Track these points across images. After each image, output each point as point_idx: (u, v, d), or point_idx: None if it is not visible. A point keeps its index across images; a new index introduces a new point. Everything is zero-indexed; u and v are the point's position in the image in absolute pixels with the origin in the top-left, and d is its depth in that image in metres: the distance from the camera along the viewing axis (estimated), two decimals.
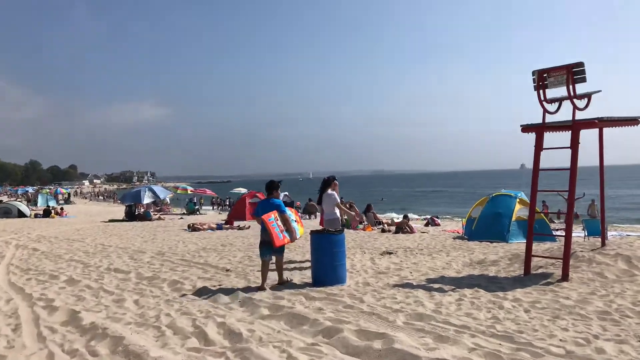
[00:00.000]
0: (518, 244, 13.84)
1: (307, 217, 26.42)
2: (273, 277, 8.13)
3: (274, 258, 7.93)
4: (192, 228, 19.13)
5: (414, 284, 7.88)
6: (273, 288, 7.59)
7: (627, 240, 10.41)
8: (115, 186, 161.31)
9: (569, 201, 8.11)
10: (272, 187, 7.96)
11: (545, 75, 8.38)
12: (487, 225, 15.35)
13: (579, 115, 8.17)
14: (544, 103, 8.49)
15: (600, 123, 7.98)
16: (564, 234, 16.22)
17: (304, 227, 8.90)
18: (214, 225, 19.71)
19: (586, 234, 14.69)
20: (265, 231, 7.57)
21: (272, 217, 7.53)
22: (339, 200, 9.96)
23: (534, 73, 8.54)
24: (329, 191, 9.82)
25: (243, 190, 37.99)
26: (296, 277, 8.44)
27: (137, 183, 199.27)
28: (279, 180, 8.31)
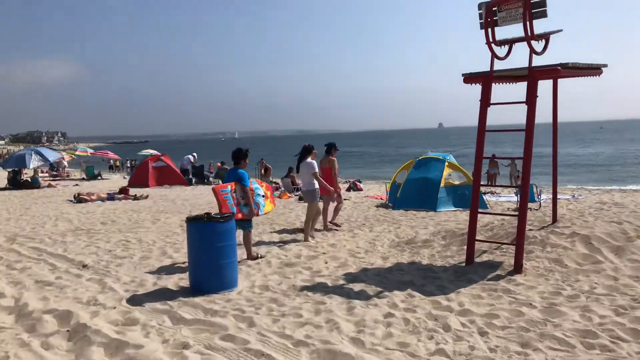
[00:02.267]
0: (447, 214, 12.36)
1: (220, 182, 23.93)
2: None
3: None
4: (78, 199, 16.28)
5: (329, 283, 5.95)
6: (161, 291, 5.39)
7: (577, 212, 9.00)
8: (22, 147, 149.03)
9: (525, 171, 6.41)
10: (239, 155, 7.31)
11: (495, 9, 6.50)
12: (414, 193, 13.72)
13: (536, 62, 6.43)
14: (493, 45, 6.65)
15: (565, 71, 6.23)
16: (494, 199, 14.92)
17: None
18: (104, 195, 16.91)
19: (519, 199, 13.47)
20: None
21: (227, 188, 6.94)
22: (316, 170, 8.93)
23: (480, 6, 6.65)
24: (308, 159, 8.96)
25: (151, 153, 34.67)
26: (172, 279, 6.27)
27: (47, 144, 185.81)
28: (246, 148, 7.52)
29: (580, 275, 5.91)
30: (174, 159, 24.63)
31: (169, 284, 6.03)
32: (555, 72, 6.18)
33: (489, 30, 6.57)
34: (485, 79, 6.77)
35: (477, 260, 6.74)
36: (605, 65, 6.94)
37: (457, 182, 13.85)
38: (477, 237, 7.47)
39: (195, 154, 24.42)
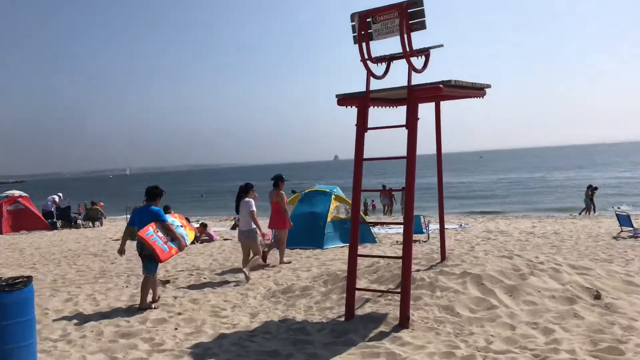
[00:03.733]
0: (334, 251, 11.44)
1: (91, 224, 21.41)
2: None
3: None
4: None
5: None
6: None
7: (466, 243, 8.32)
8: None
9: (408, 202, 5.49)
10: (156, 193, 6.99)
11: (369, 20, 5.64)
12: (300, 229, 12.58)
13: (415, 80, 5.62)
14: (369, 62, 5.77)
15: (447, 90, 5.46)
16: (384, 231, 14.22)
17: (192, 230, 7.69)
18: None
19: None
20: (144, 245, 6.61)
21: (149, 230, 6.63)
22: (254, 209, 8.70)
23: (352, 17, 5.76)
24: (246, 199, 8.80)
25: (14, 194, 30.82)
26: None
27: None
28: (162, 189, 7.14)
29: (474, 325, 5.05)
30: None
31: None
32: (437, 90, 5.36)
33: (364, 45, 5.70)
34: (361, 101, 5.85)
35: (359, 312, 5.68)
36: (488, 86, 6.31)
37: (344, 216, 12.99)
38: (359, 281, 6.51)
39: (60, 194, 21.76)
